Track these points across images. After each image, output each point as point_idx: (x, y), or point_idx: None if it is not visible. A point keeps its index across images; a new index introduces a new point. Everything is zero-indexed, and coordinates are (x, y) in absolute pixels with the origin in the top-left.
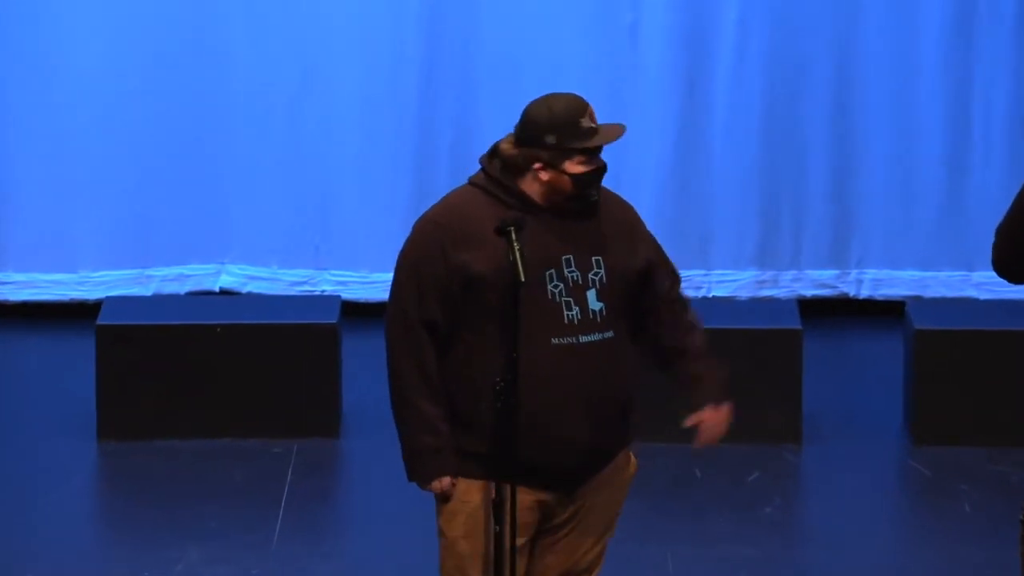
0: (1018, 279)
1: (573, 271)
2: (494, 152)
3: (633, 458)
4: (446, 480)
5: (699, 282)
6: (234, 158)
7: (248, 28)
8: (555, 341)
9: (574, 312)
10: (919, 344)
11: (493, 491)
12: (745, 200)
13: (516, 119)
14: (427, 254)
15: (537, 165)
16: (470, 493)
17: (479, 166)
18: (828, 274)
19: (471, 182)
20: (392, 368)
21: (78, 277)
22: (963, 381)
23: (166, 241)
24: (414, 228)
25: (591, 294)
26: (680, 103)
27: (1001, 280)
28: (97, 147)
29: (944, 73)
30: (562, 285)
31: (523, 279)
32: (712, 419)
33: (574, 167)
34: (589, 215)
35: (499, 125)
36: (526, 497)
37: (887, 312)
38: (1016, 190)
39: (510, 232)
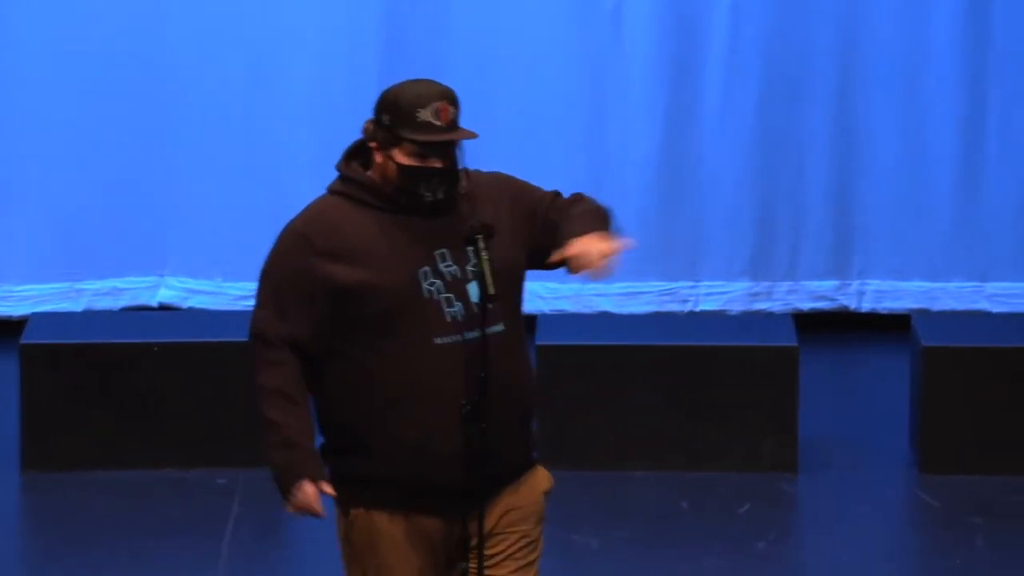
0: None
1: (450, 265)
2: (353, 149)
3: (547, 472)
4: (306, 486)
5: (686, 295)
6: (175, 161)
7: (192, 26)
8: (439, 341)
9: (456, 308)
10: (927, 362)
11: (465, 527)
12: (738, 204)
13: (489, 117)
14: (290, 267)
15: (373, 144)
16: (374, 523)
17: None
18: (827, 285)
19: (330, 190)
20: (255, 387)
21: (0, 291)
22: (975, 403)
23: (99, 251)
24: (276, 240)
25: (472, 288)
26: (667, 97)
27: (1017, 292)
28: (22, 149)
29: (957, 67)
30: (439, 282)
31: (492, 291)
32: (583, 246)
33: (402, 157)
34: (456, 208)
35: (471, 124)
36: (429, 523)
37: (892, 327)
38: None
39: (477, 240)
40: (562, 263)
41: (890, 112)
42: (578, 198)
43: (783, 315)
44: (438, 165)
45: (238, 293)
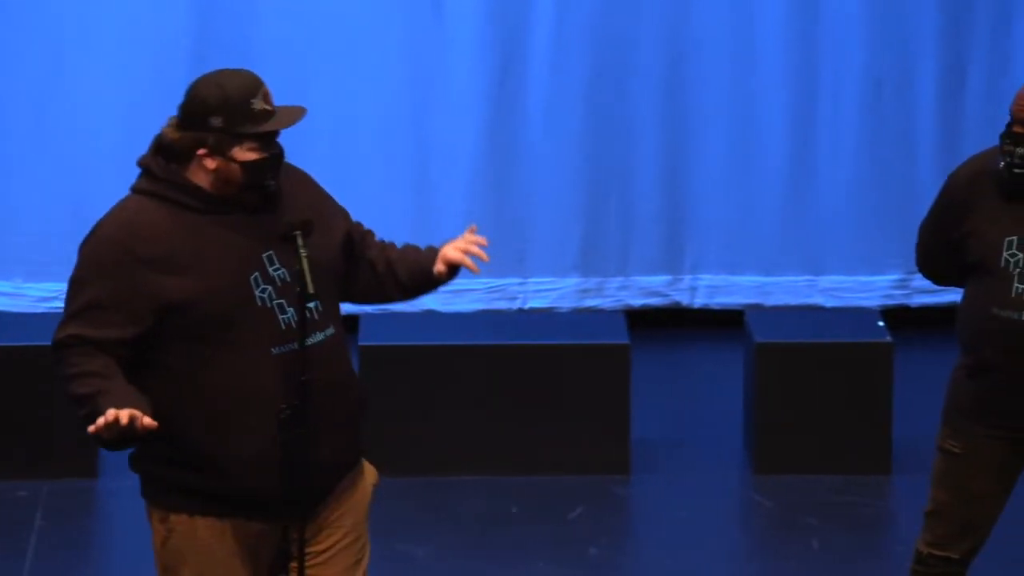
0: (941, 282)
1: (278, 268)
2: (158, 146)
3: (371, 466)
4: (112, 409)
5: (514, 292)
6: None
7: None
8: (276, 351)
9: (288, 315)
10: (760, 359)
11: (287, 534)
12: (566, 198)
13: (303, 106)
14: (110, 278)
15: (202, 151)
16: (197, 530)
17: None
18: (659, 281)
19: (136, 190)
20: (69, 396)
21: None
22: (810, 401)
23: None
24: (87, 246)
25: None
26: (491, 88)
27: (850, 286)
28: None
29: (786, 58)
30: (270, 287)
31: (311, 291)
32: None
33: (244, 154)
34: (274, 204)
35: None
36: (253, 529)
37: (725, 323)
38: (867, 186)
39: (296, 237)
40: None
41: (720, 104)
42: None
43: (614, 312)
44: (278, 151)
45: (40, 294)
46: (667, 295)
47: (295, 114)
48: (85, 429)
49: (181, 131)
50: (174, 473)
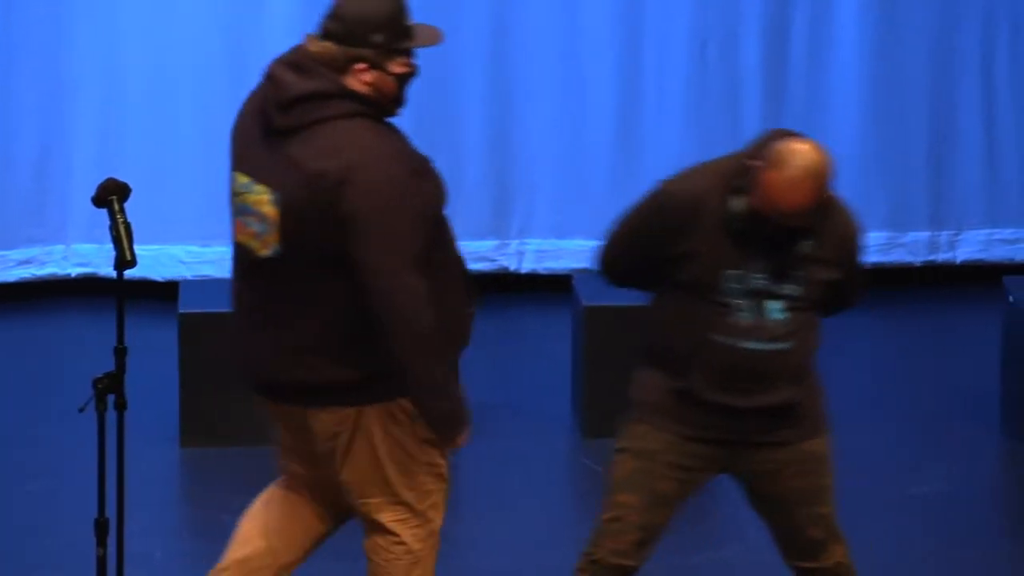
0: (624, 286)
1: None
2: (327, 62)
3: None
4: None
5: None
6: None
7: None
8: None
9: None
10: (588, 323)
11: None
12: None
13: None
14: (434, 198)
15: (361, 65)
16: (403, 412)
17: (336, 91)
18: (486, 246)
19: (353, 113)
20: (415, 321)
21: None
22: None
23: None
24: (397, 179)
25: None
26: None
27: None
28: None
29: (612, 19)
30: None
31: (129, 257)
32: None
33: (398, 67)
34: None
35: (99, 81)
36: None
37: (554, 287)
38: (693, 147)
39: (112, 202)
40: None
41: (546, 68)
42: None
43: None
44: (418, 66)
45: None
46: (494, 260)
47: (437, 34)
48: None
49: (337, 45)
50: (383, 365)
